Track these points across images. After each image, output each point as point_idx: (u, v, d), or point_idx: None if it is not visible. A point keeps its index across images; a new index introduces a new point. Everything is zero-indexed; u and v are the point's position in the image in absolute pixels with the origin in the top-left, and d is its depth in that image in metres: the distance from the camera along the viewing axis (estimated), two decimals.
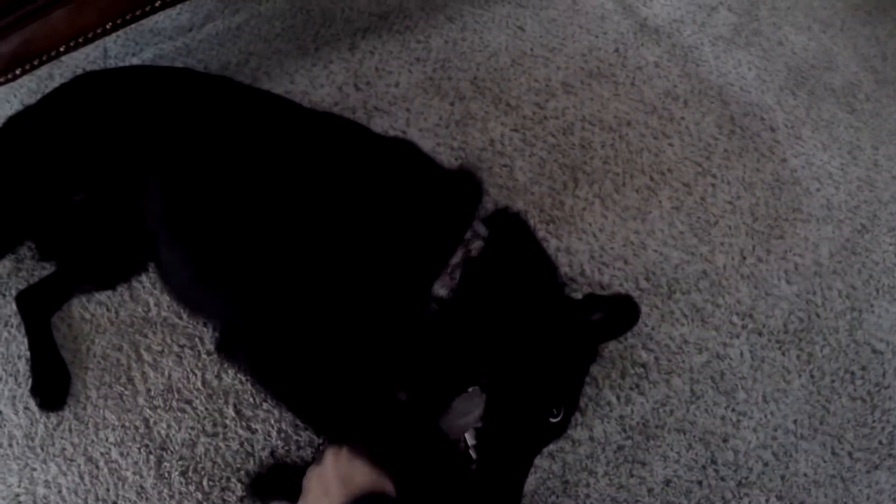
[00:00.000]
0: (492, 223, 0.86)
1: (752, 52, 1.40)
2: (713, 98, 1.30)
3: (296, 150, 0.90)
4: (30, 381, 0.94)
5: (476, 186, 0.90)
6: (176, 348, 0.98)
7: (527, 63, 1.30)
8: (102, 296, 1.00)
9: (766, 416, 1.07)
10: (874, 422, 1.14)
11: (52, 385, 0.91)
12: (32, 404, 0.93)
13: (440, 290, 0.81)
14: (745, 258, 1.16)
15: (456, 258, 0.83)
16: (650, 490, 0.99)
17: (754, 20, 1.48)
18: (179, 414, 0.94)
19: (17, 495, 0.89)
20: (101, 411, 0.93)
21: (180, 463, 0.90)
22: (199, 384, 0.96)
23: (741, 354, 1.09)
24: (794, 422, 1.09)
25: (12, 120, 0.96)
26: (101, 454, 0.90)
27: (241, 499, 0.88)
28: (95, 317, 0.99)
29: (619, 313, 0.85)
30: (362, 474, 0.67)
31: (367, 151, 0.91)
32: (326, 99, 1.26)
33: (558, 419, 0.80)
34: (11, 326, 0.99)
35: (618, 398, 1.02)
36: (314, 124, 0.96)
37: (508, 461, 0.77)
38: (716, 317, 1.11)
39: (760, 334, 1.11)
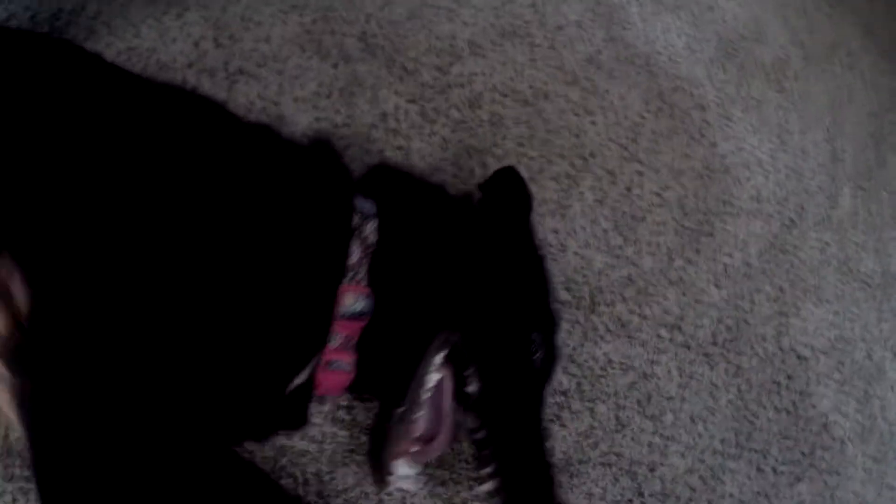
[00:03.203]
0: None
1: (681, 16, 1.32)
2: (640, 68, 1.21)
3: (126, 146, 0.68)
4: None
5: (334, 156, 0.79)
6: None
7: (427, 16, 1.13)
8: None
9: (693, 439, 1.03)
10: (797, 433, 1.13)
11: None
12: None
13: (357, 306, 0.71)
14: (673, 260, 1.09)
15: (354, 256, 0.72)
16: None
17: None
18: None
19: None
20: None
21: None
22: None
23: (669, 372, 1.03)
24: (722, 441, 1.06)
25: None
26: None
27: None
28: None
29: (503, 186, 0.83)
30: None
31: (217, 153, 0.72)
32: (179, 58, 1.02)
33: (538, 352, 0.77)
34: None
35: None
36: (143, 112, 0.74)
37: (515, 418, 0.74)
38: (643, 331, 1.03)
39: (689, 348, 1.06)
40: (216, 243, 0.65)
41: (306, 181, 0.75)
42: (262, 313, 0.66)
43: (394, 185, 0.90)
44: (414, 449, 0.73)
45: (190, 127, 0.75)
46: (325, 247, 0.72)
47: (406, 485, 0.75)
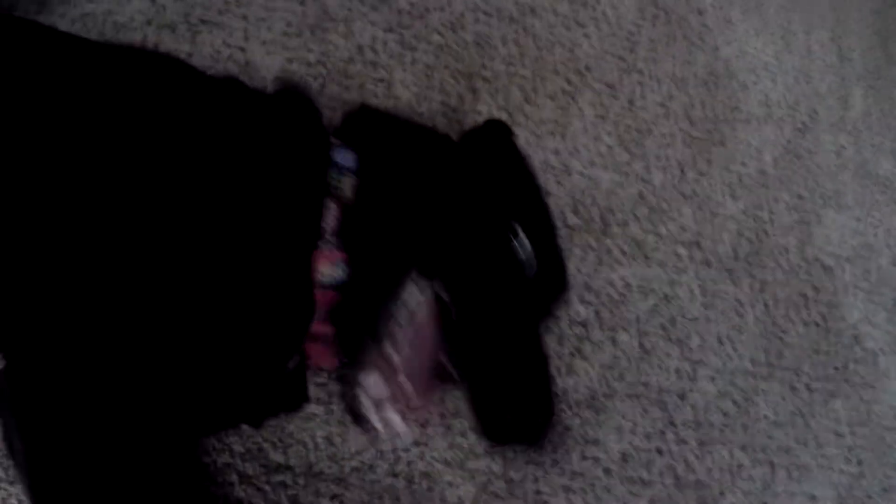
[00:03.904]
0: None
1: None
2: None
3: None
4: None
5: (309, 106, 0.72)
6: None
7: None
8: None
9: (722, 361, 0.98)
10: (828, 347, 1.09)
11: None
12: None
13: (336, 273, 0.64)
14: (685, 173, 1.03)
15: (330, 218, 0.64)
16: (607, 470, 0.87)
17: None
18: None
19: None
20: None
21: None
22: None
23: (691, 292, 0.98)
24: (752, 361, 1.01)
25: None
26: None
27: None
28: None
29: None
30: None
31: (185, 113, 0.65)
32: (136, 17, 0.94)
33: (519, 237, 0.67)
34: None
35: (558, 370, 0.87)
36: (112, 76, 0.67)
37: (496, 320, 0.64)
38: (659, 250, 0.98)
39: (709, 265, 1.00)
40: (184, 229, 0.58)
41: (275, 136, 0.67)
42: (242, 297, 0.60)
43: (376, 126, 0.82)
44: (386, 369, 0.66)
45: (149, 92, 0.67)
46: (298, 211, 0.64)
47: (396, 430, 0.68)
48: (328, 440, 0.80)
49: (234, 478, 0.76)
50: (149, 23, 0.96)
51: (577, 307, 0.91)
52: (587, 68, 1.04)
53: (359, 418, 0.67)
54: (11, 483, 0.66)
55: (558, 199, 0.95)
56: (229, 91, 0.75)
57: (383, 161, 0.71)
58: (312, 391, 0.80)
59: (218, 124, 0.65)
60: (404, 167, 0.72)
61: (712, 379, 0.97)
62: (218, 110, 0.68)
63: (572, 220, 0.95)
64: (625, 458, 0.89)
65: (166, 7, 0.98)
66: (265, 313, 0.62)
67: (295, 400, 0.74)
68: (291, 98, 0.79)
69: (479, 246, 0.67)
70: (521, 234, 0.68)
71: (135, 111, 0.62)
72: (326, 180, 0.66)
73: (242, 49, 0.97)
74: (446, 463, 0.81)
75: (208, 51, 0.97)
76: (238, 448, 0.77)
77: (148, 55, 0.84)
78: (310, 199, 0.65)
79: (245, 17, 0.99)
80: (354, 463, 0.79)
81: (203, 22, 0.98)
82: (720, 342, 0.99)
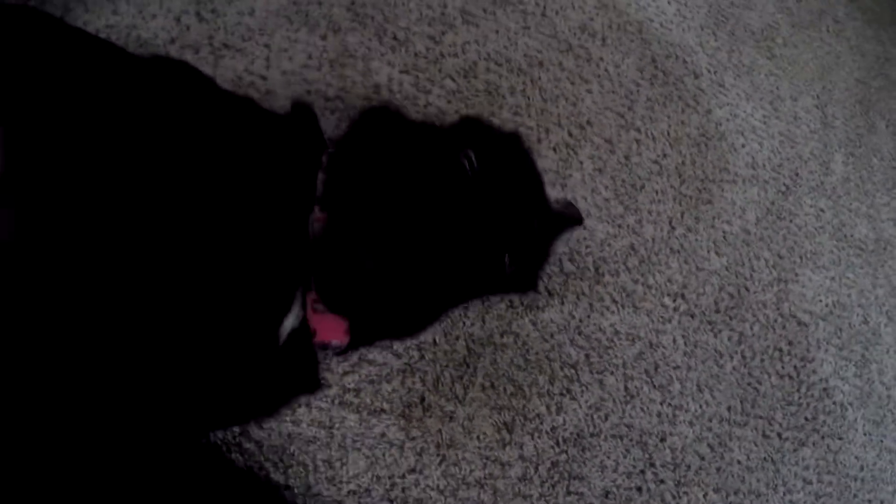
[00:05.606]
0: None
1: None
2: (633, 36, 1.23)
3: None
4: None
5: (311, 118, 0.82)
6: None
7: None
8: None
9: (701, 407, 1.06)
10: (800, 398, 1.18)
11: None
12: None
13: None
14: (674, 228, 1.13)
15: (321, 187, 0.75)
16: None
17: None
18: None
19: None
20: None
21: None
22: None
23: (674, 341, 1.07)
24: (728, 408, 1.10)
25: None
26: None
27: None
28: None
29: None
30: None
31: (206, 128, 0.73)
32: (160, 34, 1.01)
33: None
34: None
35: (548, 408, 0.95)
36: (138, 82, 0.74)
37: None
38: (647, 300, 1.06)
39: (692, 316, 1.09)
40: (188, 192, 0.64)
41: (275, 128, 0.76)
42: (229, 249, 0.63)
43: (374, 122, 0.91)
44: None
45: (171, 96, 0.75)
46: (292, 179, 0.72)
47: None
48: (328, 463, 0.86)
49: None
50: (172, 41, 1.03)
51: (568, 350, 1.00)
52: (588, 123, 1.14)
53: None
54: None
55: (555, 248, 1.04)
56: (246, 103, 0.84)
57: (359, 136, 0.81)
58: (315, 415, 0.87)
59: (236, 123, 0.74)
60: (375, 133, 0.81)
61: (691, 423, 1.06)
62: (235, 114, 0.77)
63: (568, 267, 1.04)
64: (607, 494, 0.97)
65: (190, 27, 1.05)
66: (252, 263, 0.65)
67: (305, 381, 0.77)
68: (296, 108, 0.88)
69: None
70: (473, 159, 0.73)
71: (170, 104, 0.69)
72: (320, 162, 0.76)
73: (264, 77, 1.05)
74: (439, 491, 0.88)
75: (230, 75, 1.05)
76: (240, 464, 0.83)
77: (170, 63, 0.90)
78: (300, 173, 0.74)
79: (268, 46, 1.07)
80: (352, 486, 0.85)
81: (226, 46, 1.06)
82: (699, 389, 1.08)
